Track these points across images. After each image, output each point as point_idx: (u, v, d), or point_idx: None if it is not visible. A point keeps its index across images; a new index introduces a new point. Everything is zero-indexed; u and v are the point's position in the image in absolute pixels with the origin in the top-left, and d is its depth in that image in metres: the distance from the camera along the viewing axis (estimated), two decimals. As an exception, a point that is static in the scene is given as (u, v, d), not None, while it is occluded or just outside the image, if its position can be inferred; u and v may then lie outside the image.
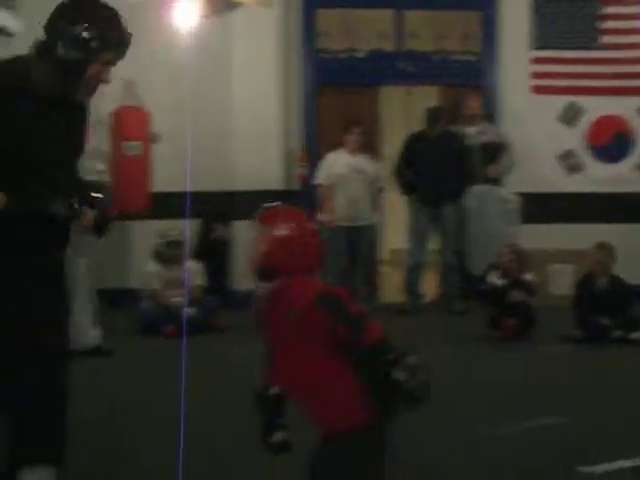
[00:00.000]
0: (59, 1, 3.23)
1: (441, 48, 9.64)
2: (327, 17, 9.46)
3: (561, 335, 7.33)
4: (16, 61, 3.28)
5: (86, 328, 6.63)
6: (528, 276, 7.60)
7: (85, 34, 3.10)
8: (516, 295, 7.49)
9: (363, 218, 8.76)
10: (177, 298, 7.59)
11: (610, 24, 9.66)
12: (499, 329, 7.41)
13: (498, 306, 7.48)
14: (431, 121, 8.81)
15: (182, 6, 8.29)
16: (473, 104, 9.23)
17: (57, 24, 3.13)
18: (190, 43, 8.19)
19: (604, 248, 7.49)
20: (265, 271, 2.64)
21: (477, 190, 8.82)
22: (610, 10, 9.65)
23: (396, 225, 10.85)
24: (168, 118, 8.84)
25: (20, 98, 3.15)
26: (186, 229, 7.50)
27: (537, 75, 9.65)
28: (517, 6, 9.61)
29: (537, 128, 9.56)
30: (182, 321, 6.90)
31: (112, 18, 3.20)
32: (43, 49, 3.17)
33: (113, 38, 3.18)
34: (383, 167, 9.40)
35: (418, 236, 8.87)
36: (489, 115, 9.47)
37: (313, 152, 9.34)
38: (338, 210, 8.67)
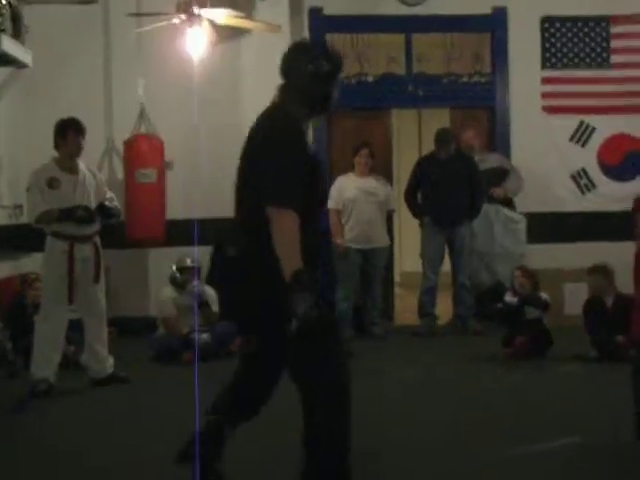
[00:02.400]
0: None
1: (451, 70, 9.67)
2: (336, 42, 9.49)
3: (576, 354, 7.27)
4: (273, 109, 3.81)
5: (101, 357, 6.67)
6: (542, 294, 7.60)
7: (327, 67, 3.63)
8: (530, 312, 7.50)
9: (376, 240, 8.73)
10: (191, 324, 7.60)
11: (620, 43, 9.68)
12: (512, 347, 7.40)
13: (513, 324, 7.48)
14: (442, 143, 8.80)
15: (191, 34, 8.38)
16: (468, 136, 9.28)
17: (301, 68, 3.63)
18: (200, 70, 8.27)
19: (597, 272, 7.40)
20: None
21: (482, 210, 8.81)
22: (620, 29, 9.68)
23: (408, 247, 10.85)
24: (180, 145, 8.90)
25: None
26: (196, 255, 7.51)
27: (548, 95, 9.67)
28: (527, 26, 9.63)
29: (549, 148, 9.58)
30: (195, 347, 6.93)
31: (325, 45, 3.85)
32: (294, 90, 3.66)
33: (338, 62, 3.71)
34: (395, 189, 9.40)
35: (432, 258, 8.84)
36: (491, 143, 9.61)
37: (326, 176, 9.33)
38: (351, 233, 8.66)
